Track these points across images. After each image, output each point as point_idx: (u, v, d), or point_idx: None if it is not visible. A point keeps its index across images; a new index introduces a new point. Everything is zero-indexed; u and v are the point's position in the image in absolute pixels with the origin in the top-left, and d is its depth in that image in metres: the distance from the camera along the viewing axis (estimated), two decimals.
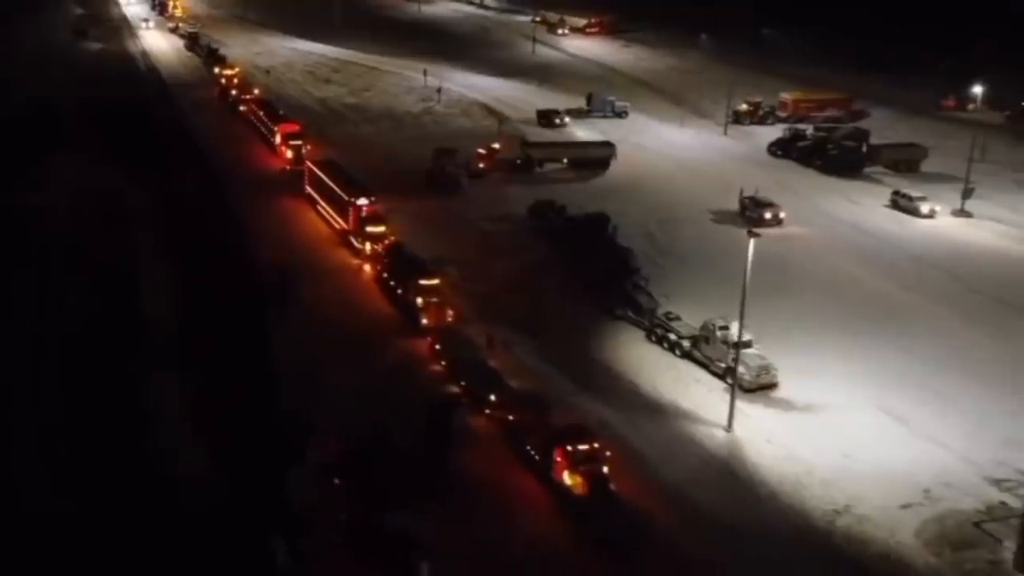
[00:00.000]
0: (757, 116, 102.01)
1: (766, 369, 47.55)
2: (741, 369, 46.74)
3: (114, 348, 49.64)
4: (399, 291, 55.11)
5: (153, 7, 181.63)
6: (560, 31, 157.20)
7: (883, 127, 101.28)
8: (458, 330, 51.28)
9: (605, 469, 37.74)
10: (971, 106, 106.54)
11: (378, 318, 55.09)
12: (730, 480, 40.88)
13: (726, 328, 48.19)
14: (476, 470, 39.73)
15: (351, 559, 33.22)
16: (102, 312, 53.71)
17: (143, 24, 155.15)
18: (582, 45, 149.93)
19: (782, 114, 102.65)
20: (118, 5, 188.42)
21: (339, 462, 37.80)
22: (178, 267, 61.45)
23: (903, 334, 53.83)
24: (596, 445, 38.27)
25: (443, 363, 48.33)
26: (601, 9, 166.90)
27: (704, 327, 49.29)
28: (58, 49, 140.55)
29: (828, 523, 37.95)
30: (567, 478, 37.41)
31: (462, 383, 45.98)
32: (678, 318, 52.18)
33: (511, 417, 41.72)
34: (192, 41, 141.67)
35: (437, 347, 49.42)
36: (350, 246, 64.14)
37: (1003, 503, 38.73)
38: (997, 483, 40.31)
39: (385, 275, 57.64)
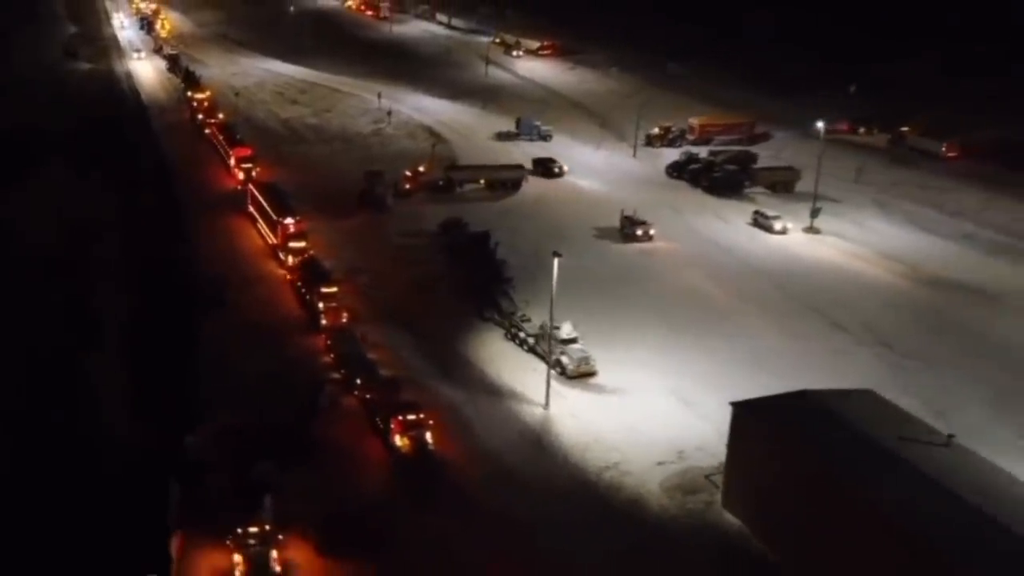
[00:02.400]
0: (667, 139, 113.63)
1: (586, 360, 59.51)
2: (565, 359, 58.90)
3: (69, 339, 61.86)
4: (307, 296, 67.22)
5: (142, 27, 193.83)
6: (515, 53, 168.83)
7: (781, 148, 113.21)
8: (348, 329, 63.23)
9: (428, 435, 49.80)
10: (861, 130, 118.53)
11: (290, 319, 67.13)
12: (536, 446, 52.84)
13: (557, 328, 60.18)
14: (338, 436, 51.86)
15: (225, 498, 45.12)
16: (62, 310, 66.00)
17: (135, 55, 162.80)
18: (533, 67, 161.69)
19: (690, 137, 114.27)
20: (111, 25, 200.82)
21: (229, 427, 49.94)
22: (132, 273, 73.65)
23: (717, 335, 65.59)
24: (422, 416, 50.36)
25: (332, 355, 60.36)
26: (560, 31, 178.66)
27: (541, 327, 61.28)
28: (48, 68, 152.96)
29: (598, 476, 49.88)
30: (398, 441, 49.53)
31: (342, 371, 58.04)
32: (528, 320, 64.14)
33: (368, 396, 53.77)
34: (173, 63, 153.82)
35: (329, 342, 61.47)
36: (278, 259, 76.19)
37: None
38: None
39: (298, 283, 69.74)
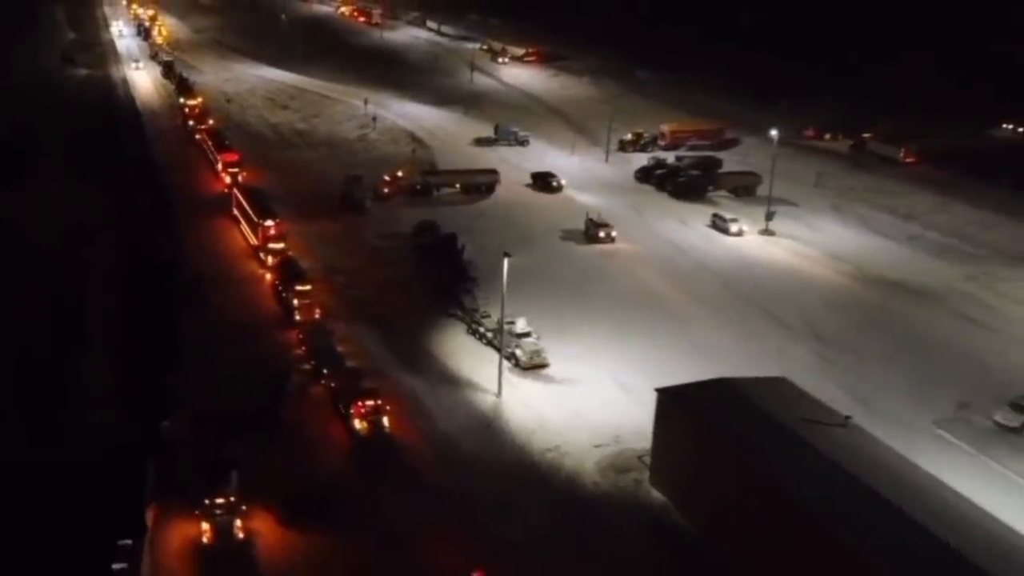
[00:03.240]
0: (639, 145, 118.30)
1: (538, 353, 64.15)
2: (519, 352, 63.59)
3: (59, 333, 66.64)
4: (284, 294, 71.90)
5: (138, 33, 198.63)
6: (500, 60, 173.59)
7: (748, 154, 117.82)
8: (320, 324, 67.90)
9: (385, 420, 54.49)
10: (826, 136, 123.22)
11: (268, 315, 71.74)
12: (487, 430, 57.46)
13: (512, 323, 64.84)
14: (304, 421, 56.56)
15: (195, 474, 49.73)
16: (53, 306, 70.81)
17: (133, 65, 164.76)
18: (517, 74, 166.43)
19: (662, 143, 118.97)
20: (109, 31, 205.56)
21: (203, 413, 54.68)
22: (121, 272, 78.37)
23: (665, 330, 70.15)
24: (380, 402, 55.03)
25: (304, 348, 65.03)
26: (547, 37, 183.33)
27: (498, 322, 65.91)
28: (46, 74, 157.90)
29: (540, 457, 54.49)
30: (357, 424, 54.21)
31: (312, 363, 62.70)
32: (488, 316, 68.72)
33: (333, 384, 58.44)
34: (167, 69, 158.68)
35: (302, 337, 66.14)
36: (259, 259, 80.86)
37: None
38: None
39: (276, 282, 74.42)
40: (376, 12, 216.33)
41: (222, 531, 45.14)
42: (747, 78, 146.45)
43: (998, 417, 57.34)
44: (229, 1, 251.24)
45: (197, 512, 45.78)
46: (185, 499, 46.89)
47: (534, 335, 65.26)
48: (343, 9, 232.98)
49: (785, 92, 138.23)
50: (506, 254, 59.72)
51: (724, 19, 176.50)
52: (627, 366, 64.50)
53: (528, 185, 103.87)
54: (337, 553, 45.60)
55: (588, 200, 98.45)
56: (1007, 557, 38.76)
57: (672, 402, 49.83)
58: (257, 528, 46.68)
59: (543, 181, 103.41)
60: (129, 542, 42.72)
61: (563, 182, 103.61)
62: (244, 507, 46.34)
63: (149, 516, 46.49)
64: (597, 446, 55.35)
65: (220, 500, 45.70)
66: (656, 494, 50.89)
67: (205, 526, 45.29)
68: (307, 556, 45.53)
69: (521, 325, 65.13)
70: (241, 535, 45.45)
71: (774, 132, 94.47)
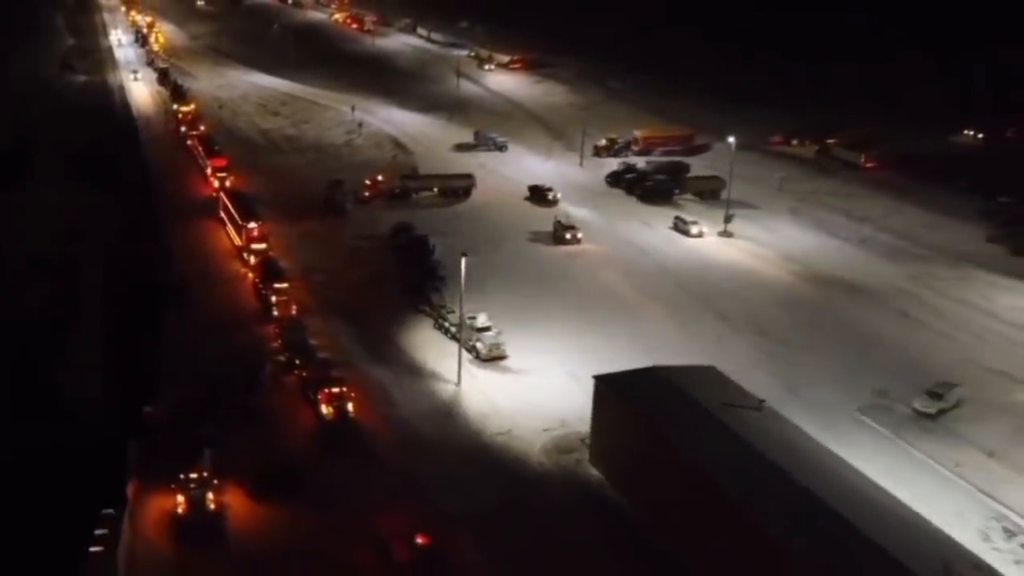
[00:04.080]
0: (613, 150, 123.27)
1: (497, 346, 69.14)
2: (479, 345, 68.59)
3: (55, 323, 71.80)
4: (264, 292, 76.91)
5: (136, 39, 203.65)
6: (487, 67, 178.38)
7: (716, 159, 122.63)
8: (296, 319, 72.89)
9: (350, 405, 59.48)
10: (794, 142, 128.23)
11: (248, 311, 76.67)
12: (445, 416, 62.42)
13: (473, 318, 69.84)
14: (277, 406, 61.55)
15: (173, 452, 54.69)
16: (50, 300, 75.99)
17: (132, 76, 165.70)
18: (502, 80, 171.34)
19: (635, 148, 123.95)
20: (107, 38, 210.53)
21: (182, 398, 59.75)
22: (112, 271, 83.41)
23: (619, 325, 75.08)
24: (346, 389, 60.04)
25: (280, 341, 70.04)
26: (536, 44, 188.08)
27: (450, 312, 70.96)
28: (46, 81, 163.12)
29: (492, 440, 59.42)
30: (324, 409, 59.22)
31: (287, 354, 67.69)
32: (453, 311, 73.70)
33: (304, 374, 63.45)
34: (163, 75, 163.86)
35: (278, 331, 71.16)
36: (242, 259, 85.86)
37: None
38: None
39: (257, 280, 79.44)
40: (368, 19, 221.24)
41: (195, 503, 50.07)
42: (727, 83, 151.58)
43: (916, 404, 62.24)
44: (226, 6, 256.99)
45: (173, 486, 50.70)
46: (163, 475, 51.79)
47: (494, 329, 70.23)
48: (337, 16, 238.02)
49: (759, 98, 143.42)
50: (463, 254, 64.75)
51: (723, 21, 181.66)
52: (580, 358, 69.26)
53: (527, 198, 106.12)
54: (299, 523, 50.52)
55: (562, 205, 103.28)
56: (890, 524, 43.62)
57: (607, 389, 54.77)
58: (228, 501, 51.61)
59: (539, 194, 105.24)
60: (111, 511, 47.67)
61: (558, 195, 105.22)
62: (216, 481, 51.26)
63: (130, 490, 51.43)
64: (545, 430, 60.33)
65: (194, 475, 50.64)
66: (594, 471, 55.80)
67: (180, 498, 50.23)
68: (273, 526, 50.48)
69: (482, 320, 70.19)
70: (213, 507, 50.36)
71: (731, 139, 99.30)
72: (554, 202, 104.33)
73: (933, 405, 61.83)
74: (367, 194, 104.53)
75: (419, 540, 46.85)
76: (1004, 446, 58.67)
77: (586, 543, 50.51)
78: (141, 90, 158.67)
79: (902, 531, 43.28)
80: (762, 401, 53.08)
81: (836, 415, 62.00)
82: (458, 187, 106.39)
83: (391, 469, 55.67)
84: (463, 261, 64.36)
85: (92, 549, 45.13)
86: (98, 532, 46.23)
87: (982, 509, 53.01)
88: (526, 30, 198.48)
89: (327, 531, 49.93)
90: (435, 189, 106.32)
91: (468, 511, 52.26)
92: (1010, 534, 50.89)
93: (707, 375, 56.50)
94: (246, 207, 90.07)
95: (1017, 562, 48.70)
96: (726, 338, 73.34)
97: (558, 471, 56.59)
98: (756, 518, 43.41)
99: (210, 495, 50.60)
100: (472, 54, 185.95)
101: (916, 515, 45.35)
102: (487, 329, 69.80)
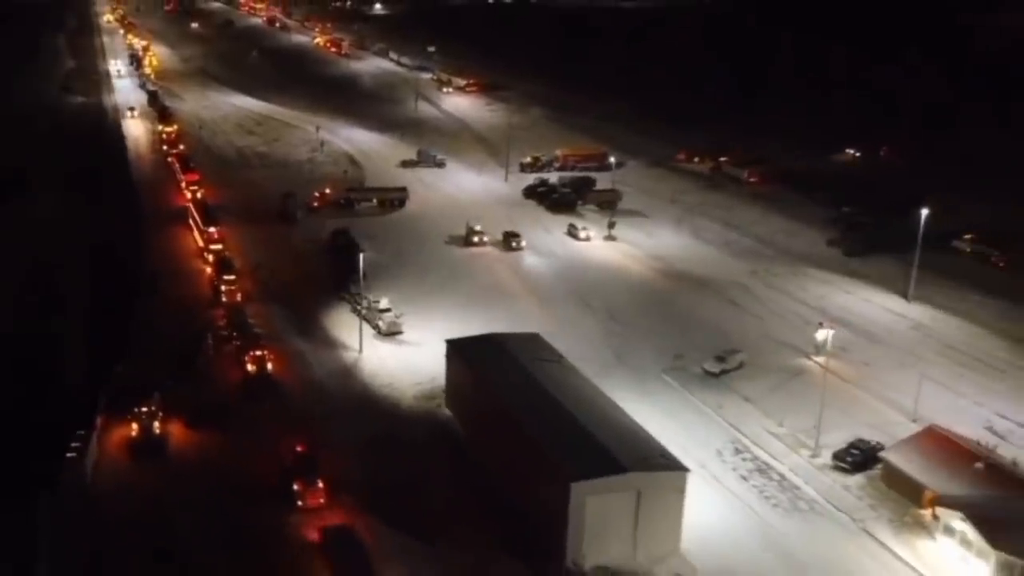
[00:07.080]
0: (537, 167, 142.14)
1: (395, 324, 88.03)
2: (380, 323, 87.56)
3: (48, 306, 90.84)
4: (216, 283, 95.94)
5: (131, 62, 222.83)
6: (445, 89, 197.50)
7: (626, 174, 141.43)
8: (240, 305, 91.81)
9: (269, 365, 78.38)
10: (696, 159, 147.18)
11: (204, 299, 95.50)
12: (345, 375, 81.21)
13: (377, 302, 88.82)
14: (216, 368, 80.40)
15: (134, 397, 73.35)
16: (44, 288, 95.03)
17: (128, 113, 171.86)
18: (457, 103, 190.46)
19: (556, 165, 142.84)
20: (106, 61, 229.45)
21: (144, 361, 78.78)
22: (97, 268, 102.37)
23: (498, 310, 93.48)
24: (267, 353, 79.03)
25: (225, 321, 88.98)
26: (494, 67, 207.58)
27: (368, 301, 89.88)
28: (45, 102, 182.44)
29: (377, 391, 78.15)
30: (249, 367, 78.17)
31: (228, 329, 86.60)
32: (366, 299, 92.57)
33: (238, 343, 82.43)
34: (153, 97, 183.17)
35: (224, 313, 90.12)
36: (203, 257, 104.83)
37: None
38: None
39: (213, 274, 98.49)
40: (345, 43, 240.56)
41: (146, 428, 68.85)
42: (670, 106, 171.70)
43: (705, 366, 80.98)
44: (218, 29, 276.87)
45: (128, 417, 69.52)
46: (123, 413, 70.50)
47: (394, 311, 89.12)
48: (318, 39, 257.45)
49: (691, 120, 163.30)
50: (361, 250, 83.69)
51: (679, 50, 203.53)
52: (461, 331, 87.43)
53: (499, 242, 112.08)
54: (224, 445, 69.26)
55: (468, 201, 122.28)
56: (613, 428, 61.86)
57: (453, 350, 73.62)
58: (171, 429, 70.39)
59: (508, 241, 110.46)
60: (83, 432, 66.52)
61: (523, 244, 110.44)
62: (162, 414, 70.08)
63: (98, 422, 70.23)
64: (418, 383, 79.08)
65: (144, 408, 69.47)
66: (447, 412, 74.52)
67: (134, 426, 69.04)
68: (203, 446, 69.24)
69: (384, 303, 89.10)
70: (159, 432, 69.16)
71: (612, 159, 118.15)
72: (519, 248, 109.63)
73: (717, 366, 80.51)
74: (316, 204, 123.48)
75: (298, 449, 65.56)
76: (762, 395, 77.39)
77: (429, 458, 68.97)
78: (131, 107, 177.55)
79: (622, 433, 61.60)
80: (561, 357, 71.84)
81: (647, 375, 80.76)
82: (394, 198, 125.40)
83: (298, 410, 74.41)
84: (360, 256, 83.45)
85: (67, 455, 63.85)
86: (73, 445, 64.97)
87: (725, 436, 71.71)
88: (493, 55, 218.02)
89: (242, 450, 68.64)
90: (375, 200, 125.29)
91: (348, 438, 70.97)
92: (738, 452, 69.60)
93: (530, 340, 75.35)
94: (209, 214, 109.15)
95: (734, 469, 67.39)
96: (581, 319, 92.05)
97: (422, 413, 75.30)
98: (527, 429, 62.13)
99: (156, 424, 69.35)
100: (435, 77, 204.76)
101: (636, 425, 63.63)
102: (388, 310, 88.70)
